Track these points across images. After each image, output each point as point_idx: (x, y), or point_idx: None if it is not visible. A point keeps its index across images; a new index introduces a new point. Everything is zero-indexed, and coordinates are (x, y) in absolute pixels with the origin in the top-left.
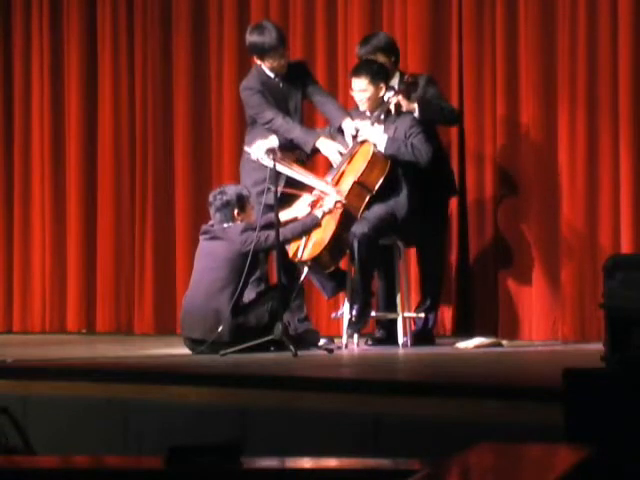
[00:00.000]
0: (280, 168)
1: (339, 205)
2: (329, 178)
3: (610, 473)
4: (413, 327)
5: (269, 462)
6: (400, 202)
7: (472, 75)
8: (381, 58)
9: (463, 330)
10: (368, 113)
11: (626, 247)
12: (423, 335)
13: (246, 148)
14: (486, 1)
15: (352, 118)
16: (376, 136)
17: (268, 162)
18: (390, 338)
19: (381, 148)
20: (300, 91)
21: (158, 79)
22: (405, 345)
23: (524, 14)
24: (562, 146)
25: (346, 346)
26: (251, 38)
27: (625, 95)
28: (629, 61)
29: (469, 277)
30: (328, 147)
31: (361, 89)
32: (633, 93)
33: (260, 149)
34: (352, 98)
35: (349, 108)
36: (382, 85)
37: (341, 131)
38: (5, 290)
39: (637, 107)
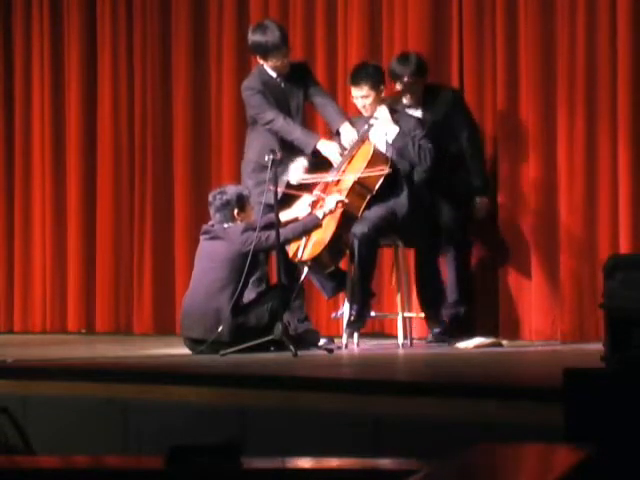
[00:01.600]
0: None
1: (340, 205)
2: (330, 179)
3: (610, 473)
4: (412, 328)
5: (269, 462)
6: (400, 202)
7: (472, 75)
8: (418, 79)
9: (463, 330)
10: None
11: (625, 247)
12: (452, 330)
13: (284, 178)
14: (486, 1)
15: (352, 123)
16: (388, 126)
17: (306, 178)
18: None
19: (389, 138)
20: (302, 91)
21: (158, 79)
22: (405, 345)
23: (524, 14)
24: (561, 146)
25: (346, 346)
26: (254, 37)
27: (624, 95)
28: (628, 62)
29: (469, 277)
30: (329, 148)
31: (362, 96)
32: (632, 93)
33: (297, 172)
34: (351, 99)
35: (349, 110)
36: (382, 87)
37: (339, 135)
38: (6, 290)
39: (636, 107)
